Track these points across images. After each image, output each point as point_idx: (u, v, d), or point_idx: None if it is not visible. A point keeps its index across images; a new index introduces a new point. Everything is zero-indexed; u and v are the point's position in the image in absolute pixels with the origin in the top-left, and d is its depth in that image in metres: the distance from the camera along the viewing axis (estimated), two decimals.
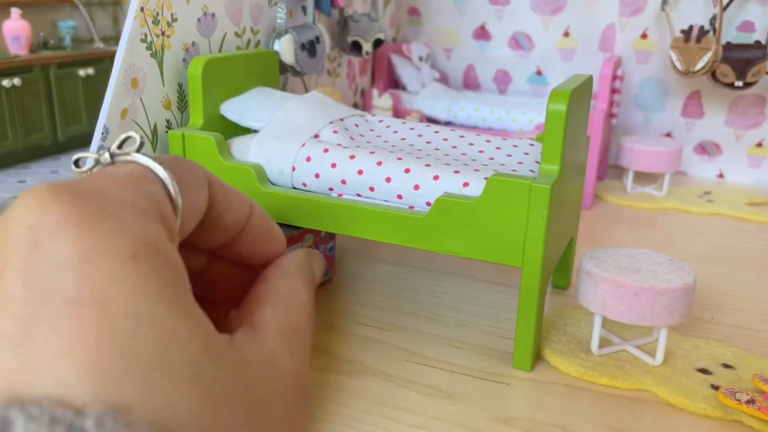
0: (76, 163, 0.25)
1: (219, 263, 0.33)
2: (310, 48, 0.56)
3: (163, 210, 0.22)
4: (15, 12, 1.25)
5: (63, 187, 0.20)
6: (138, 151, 0.24)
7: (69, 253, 0.18)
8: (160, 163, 0.24)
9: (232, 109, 0.45)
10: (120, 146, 0.24)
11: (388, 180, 0.38)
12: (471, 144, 0.43)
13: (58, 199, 0.19)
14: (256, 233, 0.32)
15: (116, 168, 0.23)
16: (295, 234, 0.43)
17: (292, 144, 0.41)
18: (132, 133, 0.24)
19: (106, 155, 0.24)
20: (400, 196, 0.38)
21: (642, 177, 0.71)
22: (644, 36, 0.73)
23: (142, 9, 0.41)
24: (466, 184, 0.36)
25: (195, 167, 0.28)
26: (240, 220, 0.31)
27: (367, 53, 0.69)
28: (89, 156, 0.24)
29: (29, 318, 0.17)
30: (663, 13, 0.70)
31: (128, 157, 0.24)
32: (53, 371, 0.17)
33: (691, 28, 0.65)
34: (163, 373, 0.18)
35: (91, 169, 0.24)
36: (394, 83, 0.80)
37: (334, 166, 0.39)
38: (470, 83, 0.85)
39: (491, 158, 0.41)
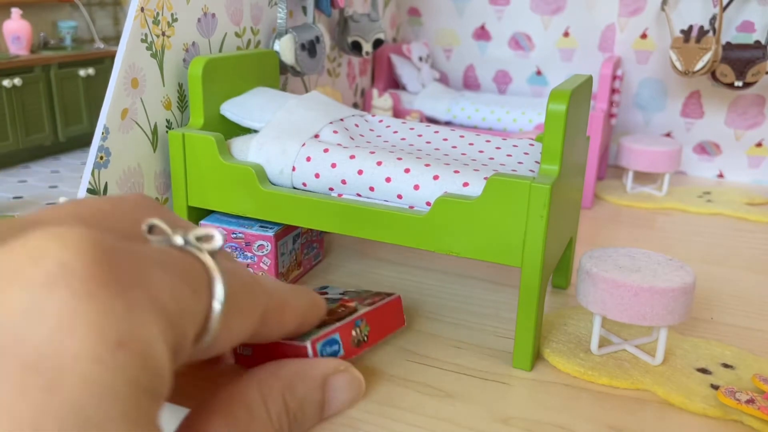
0: (150, 229, 0.22)
1: None
2: (310, 48, 0.56)
3: (186, 324, 0.19)
4: (15, 12, 1.25)
5: (104, 242, 0.17)
6: (213, 254, 0.21)
7: (55, 312, 0.15)
8: (223, 280, 0.21)
9: (233, 109, 0.45)
10: (199, 239, 0.21)
11: (388, 180, 0.38)
12: (471, 144, 0.43)
13: (89, 248, 0.16)
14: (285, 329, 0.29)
15: (180, 256, 0.20)
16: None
17: (292, 144, 0.41)
18: (216, 233, 0.21)
19: (179, 239, 0.21)
20: (400, 196, 0.38)
21: (642, 177, 0.71)
22: (644, 36, 0.73)
23: (142, 9, 0.41)
24: (465, 184, 0.36)
25: (257, 295, 0.24)
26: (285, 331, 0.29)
27: (367, 53, 0.69)
28: (163, 227, 0.21)
29: None
30: (663, 13, 0.71)
31: (199, 254, 0.21)
32: None
33: (690, 28, 0.65)
34: None
35: (159, 241, 0.22)
36: (394, 83, 0.81)
37: (334, 166, 0.39)
38: (470, 83, 0.85)
39: (491, 158, 0.41)
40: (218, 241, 0.22)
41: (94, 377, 0.15)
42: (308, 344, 0.31)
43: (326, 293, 0.38)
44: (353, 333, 0.34)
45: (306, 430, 0.27)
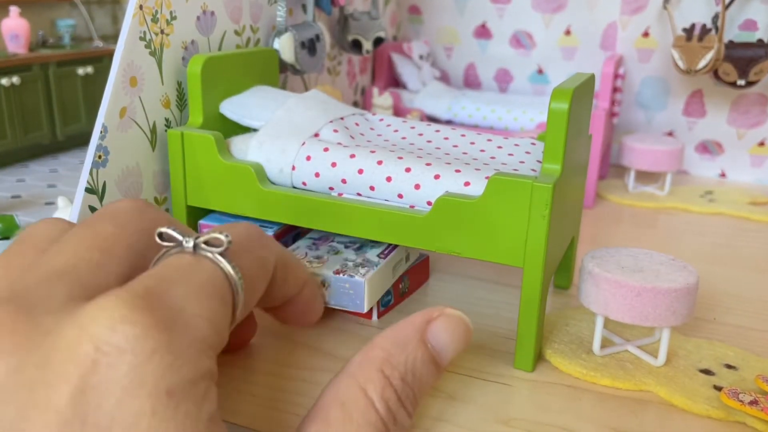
0: (160, 236, 0.25)
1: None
2: (310, 46, 0.56)
3: (223, 333, 0.23)
4: (14, 10, 1.25)
5: (138, 305, 0.20)
6: (222, 253, 0.25)
7: (118, 382, 0.19)
8: (241, 282, 0.25)
9: (232, 108, 0.45)
10: (206, 242, 0.25)
11: (388, 179, 0.38)
12: (472, 143, 0.42)
13: (130, 320, 0.20)
14: (299, 307, 0.33)
15: (195, 266, 0.24)
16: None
17: (292, 143, 0.41)
18: (221, 236, 0.25)
19: (190, 244, 0.24)
20: (400, 196, 0.38)
21: (643, 176, 0.71)
22: (646, 34, 0.73)
23: (141, 7, 0.41)
24: (467, 184, 0.36)
25: (265, 256, 0.28)
26: (289, 294, 0.32)
27: (367, 51, 0.68)
28: (174, 235, 0.25)
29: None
30: (665, 12, 0.70)
31: (210, 256, 0.25)
32: None
33: (693, 26, 0.65)
34: None
35: (171, 248, 0.25)
36: (395, 82, 0.80)
37: (334, 165, 0.39)
38: (471, 82, 0.85)
39: (492, 157, 0.40)
40: (224, 242, 0.24)
41: (153, 428, 0.19)
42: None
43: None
44: (400, 286, 0.42)
45: (428, 390, 0.27)
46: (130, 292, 0.21)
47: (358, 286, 0.37)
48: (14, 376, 0.20)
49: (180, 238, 0.25)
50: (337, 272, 0.38)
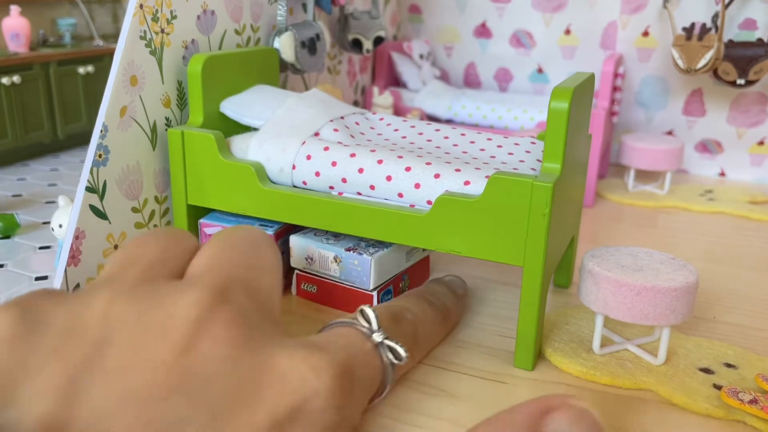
0: (364, 314, 0.29)
1: None
2: (310, 45, 0.56)
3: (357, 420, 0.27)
4: (14, 9, 1.25)
5: (339, 371, 0.24)
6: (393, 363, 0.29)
7: (311, 417, 0.22)
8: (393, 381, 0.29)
9: (232, 107, 0.45)
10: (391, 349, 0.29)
11: (388, 178, 0.38)
12: (472, 142, 0.42)
13: (332, 376, 0.23)
14: None
15: (372, 359, 0.28)
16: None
17: (293, 142, 0.41)
18: (403, 353, 0.29)
19: (380, 337, 0.29)
20: (400, 195, 0.38)
21: (643, 175, 0.71)
22: (646, 33, 0.73)
23: (141, 6, 0.41)
24: (467, 183, 0.36)
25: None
26: None
27: (367, 51, 0.68)
28: (372, 319, 0.29)
29: None
30: (665, 11, 0.70)
31: (385, 361, 0.29)
32: None
33: (693, 25, 0.65)
34: None
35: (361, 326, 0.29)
36: (395, 81, 0.80)
37: (334, 164, 0.39)
38: (471, 81, 0.85)
39: (492, 156, 0.40)
40: (404, 359, 0.29)
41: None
42: (375, 293, 0.40)
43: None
44: (400, 284, 0.43)
45: None
46: (338, 357, 0.24)
47: (366, 263, 0.39)
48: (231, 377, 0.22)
49: (375, 325, 0.29)
50: (348, 249, 0.40)
